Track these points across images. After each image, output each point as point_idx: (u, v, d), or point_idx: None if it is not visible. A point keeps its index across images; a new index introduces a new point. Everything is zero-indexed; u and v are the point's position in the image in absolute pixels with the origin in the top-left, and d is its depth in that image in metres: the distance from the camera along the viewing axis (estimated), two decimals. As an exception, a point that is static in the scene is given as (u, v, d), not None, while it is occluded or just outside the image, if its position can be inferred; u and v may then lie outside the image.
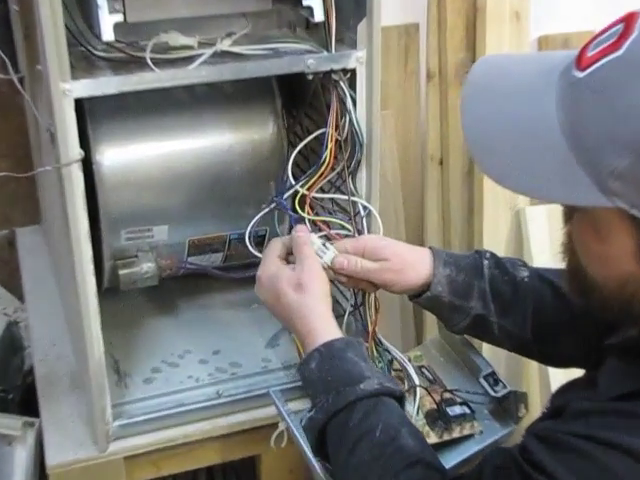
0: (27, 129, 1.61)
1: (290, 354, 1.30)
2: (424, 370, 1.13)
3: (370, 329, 1.12)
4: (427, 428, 1.05)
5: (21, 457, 1.30)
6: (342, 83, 1.14)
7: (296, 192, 1.18)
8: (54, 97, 0.98)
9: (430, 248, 1.09)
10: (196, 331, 1.38)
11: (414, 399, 1.05)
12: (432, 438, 1.04)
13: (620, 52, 0.71)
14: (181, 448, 1.22)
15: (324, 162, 1.16)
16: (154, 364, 1.31)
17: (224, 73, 1.08)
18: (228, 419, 1.24)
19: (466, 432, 1.06)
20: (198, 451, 1.24)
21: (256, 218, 1.21)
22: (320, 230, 1.17)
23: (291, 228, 1.32)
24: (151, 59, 1.06)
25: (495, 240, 1.77)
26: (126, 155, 1.22)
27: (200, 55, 1.08)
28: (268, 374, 1.28)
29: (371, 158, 1.18)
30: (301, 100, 1.31)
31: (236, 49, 1.11)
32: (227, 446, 1.26)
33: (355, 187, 1.19)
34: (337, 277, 1.08)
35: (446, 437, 1.05)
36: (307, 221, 1.15)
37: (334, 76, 1.14)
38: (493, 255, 1.09)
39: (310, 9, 1.10)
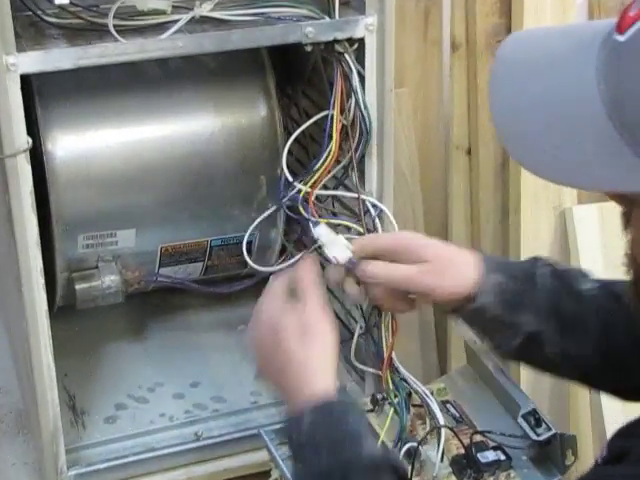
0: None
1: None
2: (449, 406, 1.13)
3: (385, 355, 1.12)
4: (453, 478, 1.05)
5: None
6: (348, 56, 1.14)
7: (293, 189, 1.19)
8: (-5, 73, 0.99)
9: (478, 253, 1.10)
10: (169, 359, 1.38)
11: (438, 442, 1.05)
12: None
13: None
14: (151, 502, 1.23)
15: (328, 154, 1.16)
16: (118, 399, 1.30)
17: (204, 44, 1.08)
18: (209, 466, 1.24)
19: None
20: (172, 506, 1.24)
21: (257, 221, 1.22)
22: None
23: (286, 233, 1.33)
24: (115, 26, 1.06)
25: (535, 246, 1.77)
26: (84, 144, 1.22)
27: (174, 22, 1.09)
28: (258, 411, 1.29)
29: (383, 147, 1.18)
30: (298, 76, 1.32)
31: (218, 14, 1.12)
32: (208, 499, 1.26)
33: (364, 183, 1.20)
34: (353, 293, 1.09)
35: None
36: (311, 224, 1.15)
37: (338, 47, 1.14)
38: (551, 263, 1.09)
39: (309, -34, 1.11)
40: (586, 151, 0.76)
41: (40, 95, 1.20)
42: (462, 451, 1.06)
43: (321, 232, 1.14)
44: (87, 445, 1.22)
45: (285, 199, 1.20)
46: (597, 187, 0.76)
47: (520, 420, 1.08)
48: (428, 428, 1.08)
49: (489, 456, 1.06)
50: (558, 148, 0.77)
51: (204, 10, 1.11)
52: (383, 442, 1.05)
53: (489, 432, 1.09)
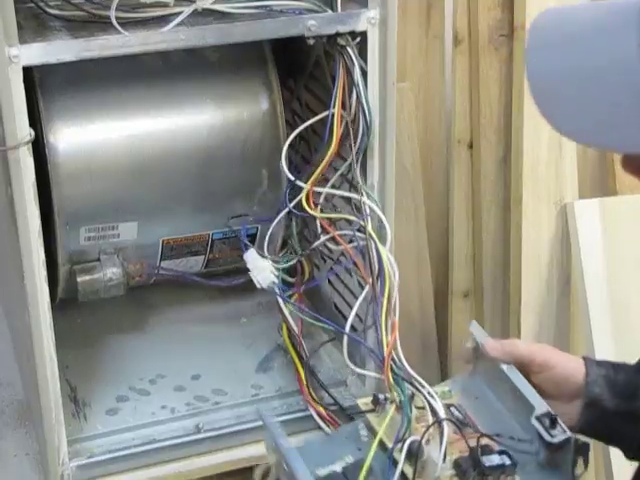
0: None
1: (286, 379, 1.30)
2: (453, 410, 1.10)
3: (386, 352, 1.12)
4: None
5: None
6: (350, 49, 1.14)
7: (295, 185, 1.19)
8: (-2, 64, 0.99)
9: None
10: (171, 351, 1.38)
11: (440, 440, 1.04)
12: None
13: None
14: (152, 494, 1.23)
15: (328, 149, 1.16)
16: (119, 392, 1.31)
17: (207, 37, 1.08)
18: (210, 458, 1.24)
19: None
20: (173, 498, 1.24)
21: (274, 223, 1.22)
22: (324, 230, 1.17)
23: (287, 227, 1.32)
24: (117, 19, 1.06)
25: (536, 240, 1.77)
26: (86, 136, 1.22)
27: (177, 14, 1.09)
28: (259, 403, 1.28)
29: (385, 141, 1.18)
30: (300, 70, 1.32)
31: (221, 7, 1.12)
32: (209, 492, 1.26)
33: (366, 177, 1.19)
34: None
35: None
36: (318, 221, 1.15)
37: (340, 40, 1.14)
38: None
39: (312, -40, 1.11)
40: (625, 115, 0.76)
41: (42, 87, 1.19)
42: (466, 454, 1.04)
43: (248, 258, 1.18)
44: (88, 437, 1.22)
45: (291, 204, 1.20)
46: (635, 149, 0.77)
47: (534, 421, 1.05)
48: (430, 423, 1.06)
49: (494, 459, 1.03)
50: (596, 113, 0.78)
51: (206, 3, 1.11)
52: (382, 440, 1.03)
53: (496, 435, 1.07)
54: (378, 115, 1.18)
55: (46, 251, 1.09)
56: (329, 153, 1.18)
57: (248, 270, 1.22)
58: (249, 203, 1.31)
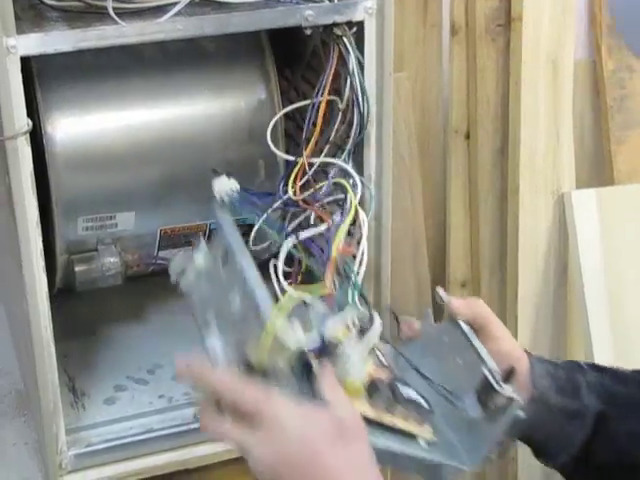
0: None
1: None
2: (390, 349, 1.05)
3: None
4: (364, 393, 0.96)
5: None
6: (346, 39, 1.14)
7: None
8: (-5, 55, 0.99)
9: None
10: (169, 341, 1.38)
11: (363, 336, 0.97)
12: (366, 408, 0.94)
13: None
14: (150, 483, 1.24)
15: (312, 135, 1.17)
16: (117, 381, 1.31)
17: (205, 27, 1.08)
18: (208, 448, 1.24)
19: (410, 429, 0.97)
20: (171, 487, 1.25)
21: (265, 216, 1.18)
22: (320, 219, 1.17)
23: (284, 218, 1.33)
24: (114, 9, 1.06)
25: (533, 229, 1.78)
26: (83, 126, 1.22)
27: (174, 4, 1.09)
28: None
29: (382, 132, 1.19)
30: (297, 60, 1.32)
31: (218, -3, 1.12)
32: (207, 481, 1.27)
33: (362, 167, 1.20)
34: None
35: (384, 419, 0.95)
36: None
37: (337, 30, 1.15)
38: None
39: (309, -52, 1.11)
40: None
41: (40, 77, 1.19)
42: (384, 378, 0.99)
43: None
44: (87, 426, 1.23)
45: (280, 186, 1.20)
46: None
47: (485, 371, 1.00)
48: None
49: (412, 394, 0.99)
50: None
51: (204, -7, 1.12)
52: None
53: (429, 380, 1.02)
54: (375, 105, 1.18)
55: (44, 240, 1.09)
56: (312, 139, 1.18)
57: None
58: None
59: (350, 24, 1.14)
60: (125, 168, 1.25)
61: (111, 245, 1.27)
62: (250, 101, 1.30)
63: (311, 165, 1.19)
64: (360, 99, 1.16)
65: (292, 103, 1.36)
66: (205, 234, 1.32)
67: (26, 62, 1.03)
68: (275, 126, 1.27)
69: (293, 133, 1.31)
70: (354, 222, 1.15)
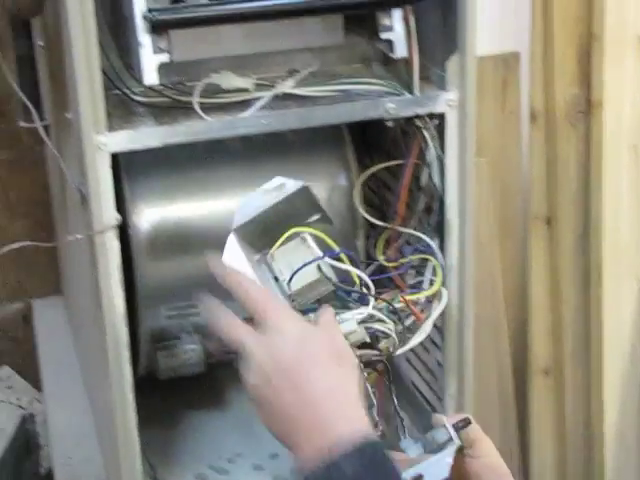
0: (48, 184, 1.67)
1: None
2: None
3: None
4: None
5: None
6: (426, 131, 1.16)
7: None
8: (86, 151, 1.02)
9: None
10: (249, 429, 1.38)
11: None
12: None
13: None
14: None
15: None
16: (198, 470, 1.32)
17: (288, 121, 1.11)
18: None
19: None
20: None
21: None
22: (398, 287, 1.18)
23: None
24: (199, 104, 1.09)
25: (617, 317, 1.76)
26: (169, 217, 1.25)
27: (257, 99, 1.12)
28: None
29: (464, 220, 1.19)
30: (377, 148, 1.34)
31: (300, 91, 1.14)
32: None
33: (445, 254, 1.21)
34: None
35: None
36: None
37: (418, 122, 1.16)
38: None
39: (390, 43, 1.13)
40: None
41: (127, 170, 1.23)
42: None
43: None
44: (168, 515, 1.24)
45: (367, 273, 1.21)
46: None
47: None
48: None
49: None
50: None
51: (286, 87, 1.14)
52: None
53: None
54: (457, 193, 1.19)
55: (127, 329, 1.11)
56: (394, 225, 1.22)
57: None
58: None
59: (431, 116, 1.15)
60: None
61: (193, 334, 1.29)
62: (331, 190, 1.31)
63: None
64: (441, 189, 1.18)
65: (372, 191, 1.38)
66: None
67: (114, 156, 1.05)
68: (359, 216, 1.28)
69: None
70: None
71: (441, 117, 1.15)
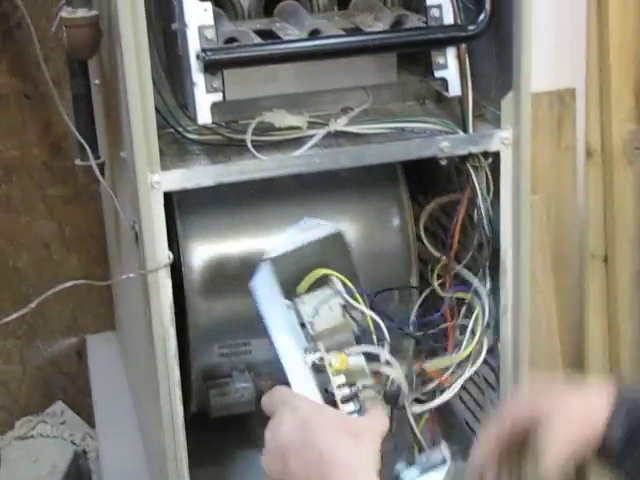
0: (103, 220, 1.68)
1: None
2: None
3: None
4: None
5: None
6: (481, 170, 1.15)
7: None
8: (140, 190, 1.03)
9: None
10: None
11: None
12: None
13: None
14: None
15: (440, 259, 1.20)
16: (249, 507, 1.31)
17: (340, 159, 1.11)
18: None
19: None
20: None
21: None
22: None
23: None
24: (252, 142, 1.10)
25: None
26: (221, 255, 1.25)
27: (310, 137, 1.12)
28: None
29: (519, 259, 1.18)
30: (431, 186, 1.33)
31: (354, 129, 1.14)
32: None
33: (499, 295, 1.19)
34: None
35: None
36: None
37: (472, 160, 1.16)
38: None
39: (444, 81, 1.13)
40: None
41: (180, 208, 1.23)
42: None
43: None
44: None
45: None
46: None
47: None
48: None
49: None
50: None
51: (339, 125, 1.14)
52: None
53: None
54: (511, 232, 1.18)
55: (179, 366, 1.11)
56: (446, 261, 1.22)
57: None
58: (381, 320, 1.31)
59: (486, 154, 1.15)
60: (260, 295, 1.27)
61: (245, 372, 1.28)
62: (384, 228, 1.31)
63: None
64: (495, 228, 1.17)
65: (427, 229, 1.37)
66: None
67: (167, 194, 1.06)
68: (413, 255, 1.28)
69: (425, 257, 1.31)
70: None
71: (495, 155, 1.14)
